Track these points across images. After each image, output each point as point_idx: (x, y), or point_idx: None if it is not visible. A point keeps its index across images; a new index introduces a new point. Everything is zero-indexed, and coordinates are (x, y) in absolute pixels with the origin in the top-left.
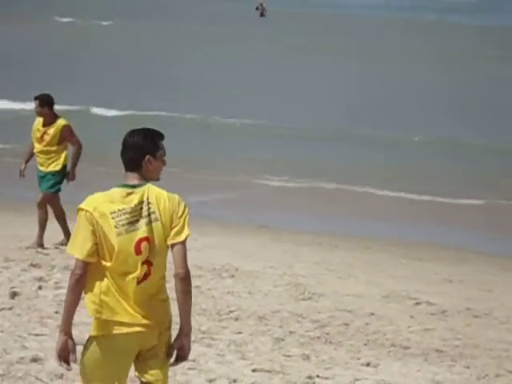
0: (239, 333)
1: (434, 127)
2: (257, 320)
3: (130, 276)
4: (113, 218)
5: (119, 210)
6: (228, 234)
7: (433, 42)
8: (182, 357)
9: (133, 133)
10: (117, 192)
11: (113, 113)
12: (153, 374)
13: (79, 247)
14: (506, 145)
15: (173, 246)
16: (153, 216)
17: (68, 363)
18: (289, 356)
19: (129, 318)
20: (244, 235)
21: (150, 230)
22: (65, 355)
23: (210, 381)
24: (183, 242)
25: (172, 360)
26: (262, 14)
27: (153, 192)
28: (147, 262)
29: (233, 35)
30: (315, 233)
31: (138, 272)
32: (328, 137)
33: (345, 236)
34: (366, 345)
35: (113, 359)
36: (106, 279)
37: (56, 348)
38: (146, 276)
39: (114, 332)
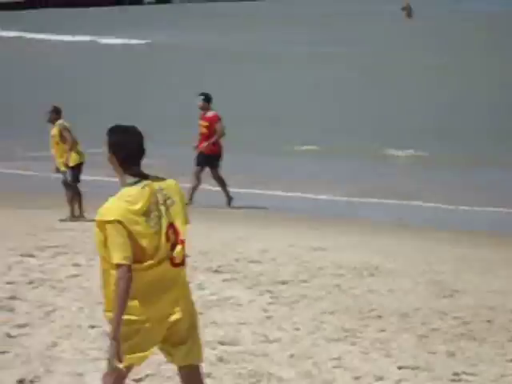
0: (382, 331)
1: None
2: (399, 317)
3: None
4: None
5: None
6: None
7: None
8: None
9: (125, 126)
10: (134, 190)
11: None
12: None
13: None
14: None
15: None
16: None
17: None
18: (433, 353)
19: None
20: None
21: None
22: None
23: (356, 378)
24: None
25: None
26: (408, 15)
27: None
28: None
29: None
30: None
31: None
32: None
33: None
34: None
35: None
36: None
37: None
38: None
39: None
